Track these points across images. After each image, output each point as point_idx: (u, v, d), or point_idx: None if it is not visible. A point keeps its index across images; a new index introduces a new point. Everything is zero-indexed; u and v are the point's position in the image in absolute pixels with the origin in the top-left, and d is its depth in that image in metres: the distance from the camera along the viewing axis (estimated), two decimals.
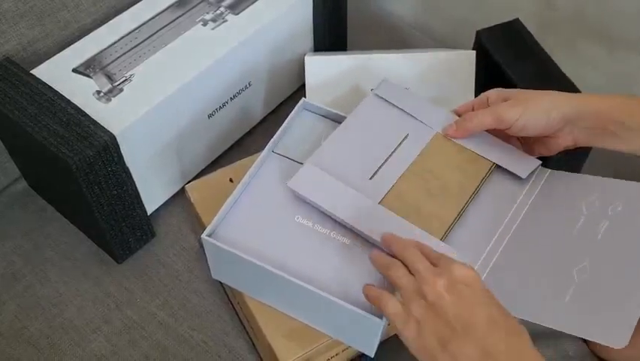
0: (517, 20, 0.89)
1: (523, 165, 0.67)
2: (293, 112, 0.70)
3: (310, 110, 0.72)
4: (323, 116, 0.71)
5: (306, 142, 0.69)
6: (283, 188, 0.65)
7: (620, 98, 0.63)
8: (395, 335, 0.71)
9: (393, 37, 1.08)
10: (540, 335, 0.74)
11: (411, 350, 0.51)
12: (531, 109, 0.63)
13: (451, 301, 0.49)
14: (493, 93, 0.67)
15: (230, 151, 0.88)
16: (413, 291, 0.51)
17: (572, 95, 0.66)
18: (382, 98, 0.70)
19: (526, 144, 0.70)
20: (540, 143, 0.68)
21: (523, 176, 0.66)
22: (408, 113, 0.69)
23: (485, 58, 0.85)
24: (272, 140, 0.67)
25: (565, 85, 0.81)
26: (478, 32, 0.87)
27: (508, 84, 0.82)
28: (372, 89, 0.71)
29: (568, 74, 0.83)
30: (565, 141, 0.65)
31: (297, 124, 0.71)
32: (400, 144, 0.67)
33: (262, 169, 0.66)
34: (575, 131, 0.64)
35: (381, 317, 0.55)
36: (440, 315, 0.49)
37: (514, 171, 0.66)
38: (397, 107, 0.70)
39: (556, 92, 0.66)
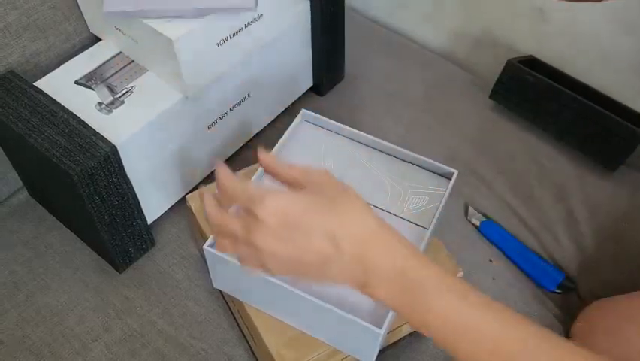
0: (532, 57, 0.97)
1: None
2: (293, 124, 0.71)
3: (309, 122, 0.73)
4: (322, 127, 0.73)
5: (306, 153, 0.70)
6: None
7: None
8: (393, 343, 0.72)
9: (391, 49, 1.09)
10: None
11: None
12: None
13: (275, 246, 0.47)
14: None
15: (230, 162, 0.89)
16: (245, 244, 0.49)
17: None
18: None
19: None
20: None
21: None
22: None
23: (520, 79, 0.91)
24: (272, 151, 0.68)
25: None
26: (509, 61, 0.94)
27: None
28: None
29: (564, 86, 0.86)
30: None
31: (297, 135, 0.72)
32: None
33: (263, 179, 0.68)
34: None
35: (380, 327, 0.56)
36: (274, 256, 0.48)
37: None
38: None
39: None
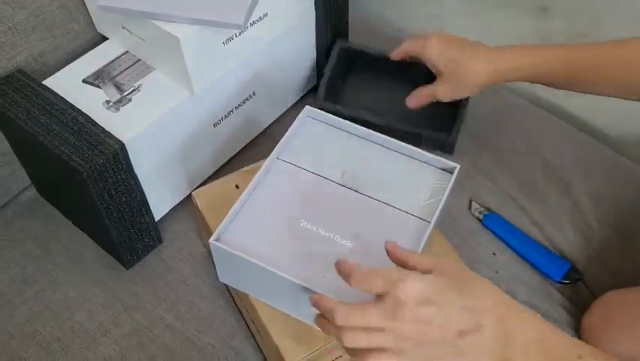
0: None
1: None
2: (297, 120, 0.72)
3: (314, 118, 0.74)
4: (326, 123, 0.73)
5: (310, 149, 0.71)
6: (288, 193, 0.67)
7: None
8: None
9: (394, 46, 1.09)
10: None
11: None
12: (460, 86, 0.77)
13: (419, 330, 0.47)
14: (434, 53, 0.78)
15: (236, 159, 0.90)
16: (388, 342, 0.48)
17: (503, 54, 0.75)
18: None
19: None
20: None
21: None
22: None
23: None
24: (277, 146, 0.69)
25: None
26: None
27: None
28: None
29: None
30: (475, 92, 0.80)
31: (301, 131, 0.73)
32: None
33: (268, 175, 0.68)
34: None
35: None
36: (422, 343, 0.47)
37: None
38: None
39: (488, 52, 0.76)
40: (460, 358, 0.47)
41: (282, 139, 0.70)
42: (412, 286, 0.47)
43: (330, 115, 0.72)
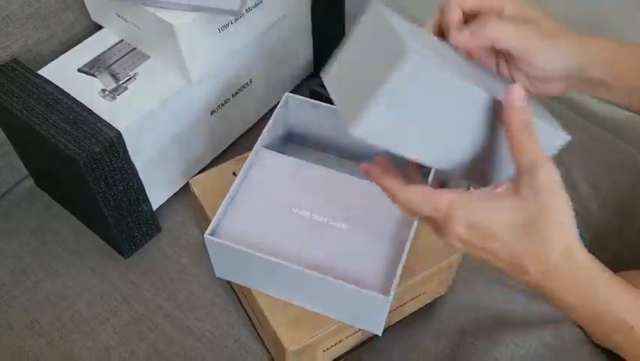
0: None
1: None
2: (278, 108, 0.72)
3: (295, 106, 0.74)
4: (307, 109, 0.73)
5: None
6: (277, 181, 0.67)
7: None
8: (397, 322, 0.73)
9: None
10: (539, 319, 0.76)
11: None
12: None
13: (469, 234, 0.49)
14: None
15: (233, 147, 0.90)
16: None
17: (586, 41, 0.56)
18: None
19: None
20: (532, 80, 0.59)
21: None
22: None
23: None
24: (260, 136, 0.69)
25: None
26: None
27: None
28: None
29: None
30: (557, 88, 0.60)
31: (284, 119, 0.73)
32: None
33: (255, 165, 0.68)
34: (574, 82, 0.59)
35: (385, 293, 0.57)
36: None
37: None
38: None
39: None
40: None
41: (265, 128, 0.70)
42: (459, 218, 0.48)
43: (310, 100, 0.72)
